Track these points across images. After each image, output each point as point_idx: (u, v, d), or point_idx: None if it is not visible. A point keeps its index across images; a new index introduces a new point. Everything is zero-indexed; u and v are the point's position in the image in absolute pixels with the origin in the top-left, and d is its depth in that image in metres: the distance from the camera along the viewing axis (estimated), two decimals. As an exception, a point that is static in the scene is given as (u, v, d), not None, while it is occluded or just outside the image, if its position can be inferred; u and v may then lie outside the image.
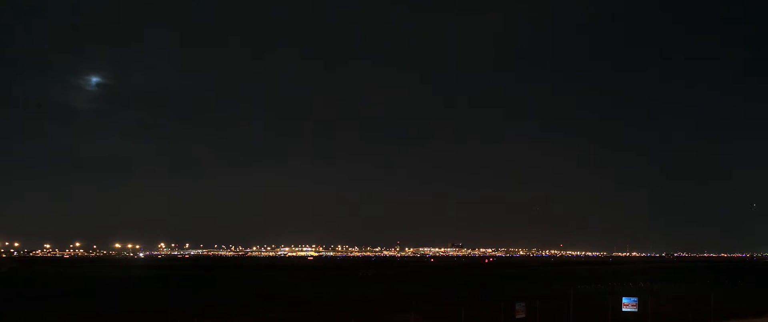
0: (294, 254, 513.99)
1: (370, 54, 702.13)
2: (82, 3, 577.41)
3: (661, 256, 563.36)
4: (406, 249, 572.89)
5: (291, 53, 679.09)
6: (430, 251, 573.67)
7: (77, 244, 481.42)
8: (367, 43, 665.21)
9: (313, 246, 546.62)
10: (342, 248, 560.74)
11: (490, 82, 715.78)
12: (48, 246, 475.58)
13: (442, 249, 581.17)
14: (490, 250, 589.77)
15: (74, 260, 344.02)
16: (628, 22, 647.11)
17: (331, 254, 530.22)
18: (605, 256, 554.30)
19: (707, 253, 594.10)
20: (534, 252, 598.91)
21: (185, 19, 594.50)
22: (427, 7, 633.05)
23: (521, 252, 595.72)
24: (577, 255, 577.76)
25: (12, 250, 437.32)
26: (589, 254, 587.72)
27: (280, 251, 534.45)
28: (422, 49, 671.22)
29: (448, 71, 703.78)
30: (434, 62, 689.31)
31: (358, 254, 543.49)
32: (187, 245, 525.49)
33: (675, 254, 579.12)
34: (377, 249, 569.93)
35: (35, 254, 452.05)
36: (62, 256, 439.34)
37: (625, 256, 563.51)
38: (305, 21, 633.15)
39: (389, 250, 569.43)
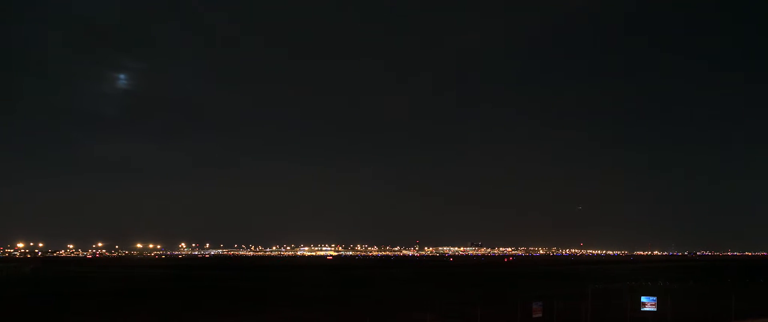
0: (313, 253, 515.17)
1: (384, 54, 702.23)
2: (102, 9, 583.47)
3: (683, 254, 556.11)
4: (426, 248, 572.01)
5: (306, 54, 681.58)
6: (449, 250, 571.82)
7: (100, 244, 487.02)
8: (380, 43, 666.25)
9: (333, 246, 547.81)
10: (361, 248, 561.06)
11: (506, 82, 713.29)
12: (71, 246, 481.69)
13: (462, 248, 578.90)
14: (510, 249, 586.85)
15: (96, 260, 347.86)
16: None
17: (351, 253, 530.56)
18: (626, 255, 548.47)
19: (731, 251, 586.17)
20: (554, 251, 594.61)
21: (204, 22, 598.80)
22: (434, 7, 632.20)
23: (541, 251, 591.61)
24: (597, 254, 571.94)
25: (36, 250, 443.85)
26: (610, 252, 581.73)
27: (300, 250, 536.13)
28: (436, 50, 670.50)
29: (465, 71, 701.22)
30: (451, 62, 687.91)
31: (378, 253, 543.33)
32: (208, 244, 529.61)
33: (698, 253, 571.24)
34: (396, 249, 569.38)
35: (59, 254, 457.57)
36: (85, 256, 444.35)
37: (647, 255, 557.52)
38: (320, 23, 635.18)
39: (408, 249, 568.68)
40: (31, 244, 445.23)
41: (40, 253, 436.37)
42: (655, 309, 50.88)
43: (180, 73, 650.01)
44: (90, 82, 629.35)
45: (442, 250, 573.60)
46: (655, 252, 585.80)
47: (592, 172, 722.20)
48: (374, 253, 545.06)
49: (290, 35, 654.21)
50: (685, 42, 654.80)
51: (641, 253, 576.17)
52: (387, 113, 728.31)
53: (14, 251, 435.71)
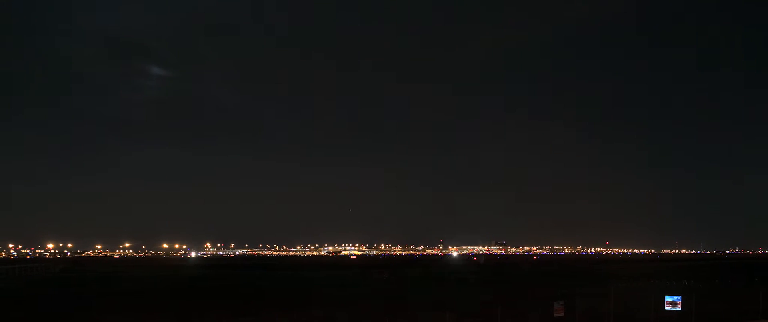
0: (337, 253, 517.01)
1: (404, 55, 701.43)
2: (132, 20, 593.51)
3: (712, 253, 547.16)
4: (449, 248, 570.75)
5: (328, 57, 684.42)
6: (473, 249, 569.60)
7: (127, 244, 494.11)
8: (400, 44, 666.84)
9: (356, 245, 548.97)
10: (385, 247, 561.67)
11: (530, 82, 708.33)
12: (99, 247, 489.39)
13: (486, 247, 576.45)
14: (534, 248, 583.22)
15: (123, 260, 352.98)
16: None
17: (374, 252, 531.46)
18: (653, 253, 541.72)
19: (762, 249, 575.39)
20: (579, 250, 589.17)
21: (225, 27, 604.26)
22: (451, 8, 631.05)
23: (566, 250, 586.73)
24: (623, 253, 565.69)
25: (65, 250, 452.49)
26: (637, 251, 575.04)
27: (323, 250, 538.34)
28: (455, 51, 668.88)
29: (485, 71, 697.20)
30: (472, 63, 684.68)
31: (401, 252, 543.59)
32: (233, 244, 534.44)
33: (727, 251, 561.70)
34: (420, 248, 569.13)
35: (87, 254, 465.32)
36: (112, 256, 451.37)
37: (674, 253, 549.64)
38: (341, 26, 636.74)
39: (432, 248, 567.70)
40: (61, 244, 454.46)
41: (68, 253, 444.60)
42: (680, 308, 50.11)
43: (205, 78, 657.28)
44: (117, 87, 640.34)
45: (466, 249, 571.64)
46: (683, 250, 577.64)
47: (617, 170, 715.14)
48: (398, 252, 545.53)
49: (317, 41, 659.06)
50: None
51: (668, 251, 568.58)
52: (410, 113, 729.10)
53: (44, 251, 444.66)
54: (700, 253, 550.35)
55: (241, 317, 55.68)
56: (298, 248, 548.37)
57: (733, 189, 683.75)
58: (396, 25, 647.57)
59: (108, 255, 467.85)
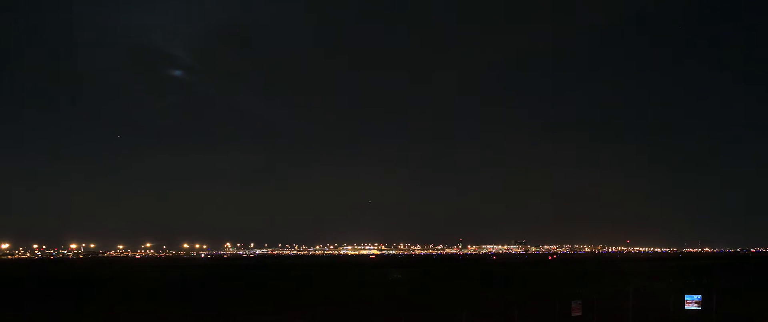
0: (356, 252, 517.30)
1: (418, 56, 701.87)
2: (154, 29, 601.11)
3: (734, 252, 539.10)
4: (468, 247, 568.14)
5: (342, 61, 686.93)
6: (492, 248, 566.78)
7: (148, 244, 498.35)
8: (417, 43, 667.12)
9: (375, 244, 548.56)
10: (404, 247, 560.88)
11: (548, 82, 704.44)
12: (121, 247, 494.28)
13: (505, 246, 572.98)
14: (554, 247, 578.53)
15: (144, 260, 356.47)
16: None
17: (393, 252, 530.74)
18: (675, 252, 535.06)
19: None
20: (600, 249, 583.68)
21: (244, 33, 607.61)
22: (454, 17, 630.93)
23: (587, 249, 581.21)
24: (645, 251, 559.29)
25: (88, 251, 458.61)
26: (658, 250, 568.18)
27: (343, 249, 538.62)
28: (475, 50, 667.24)
29: (507, 72, 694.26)
30: (490, 63, 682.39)
31: (420, 252, 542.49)
32: (252, 244, 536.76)
33: (751, 250, 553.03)
34: (439, 247, 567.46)
35: (109, 254, 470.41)
36: (134, 256, 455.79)
37: (696, 252, 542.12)
38: (353, 31, 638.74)
39: (451, 247, 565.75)
40: (83, 244, 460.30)
41: (90, 254, 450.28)
42: (700, 308, 49.29)
43: (227, 82, 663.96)
44: (140, 91, 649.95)
45: (486, 248, 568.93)
46: (706, 249, 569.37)
47: (640, 169, 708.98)
48: (417, 251, 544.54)
49: (332, 46, 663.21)
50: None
51: (691, 250, 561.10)
52: (433, 112, 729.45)
53: (67, 251, 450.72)
54: (723, 252, 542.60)
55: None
56: (318, 247, 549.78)
57: (755, 188, 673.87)
58: (405, 28, 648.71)
59: (130, 255, 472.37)
